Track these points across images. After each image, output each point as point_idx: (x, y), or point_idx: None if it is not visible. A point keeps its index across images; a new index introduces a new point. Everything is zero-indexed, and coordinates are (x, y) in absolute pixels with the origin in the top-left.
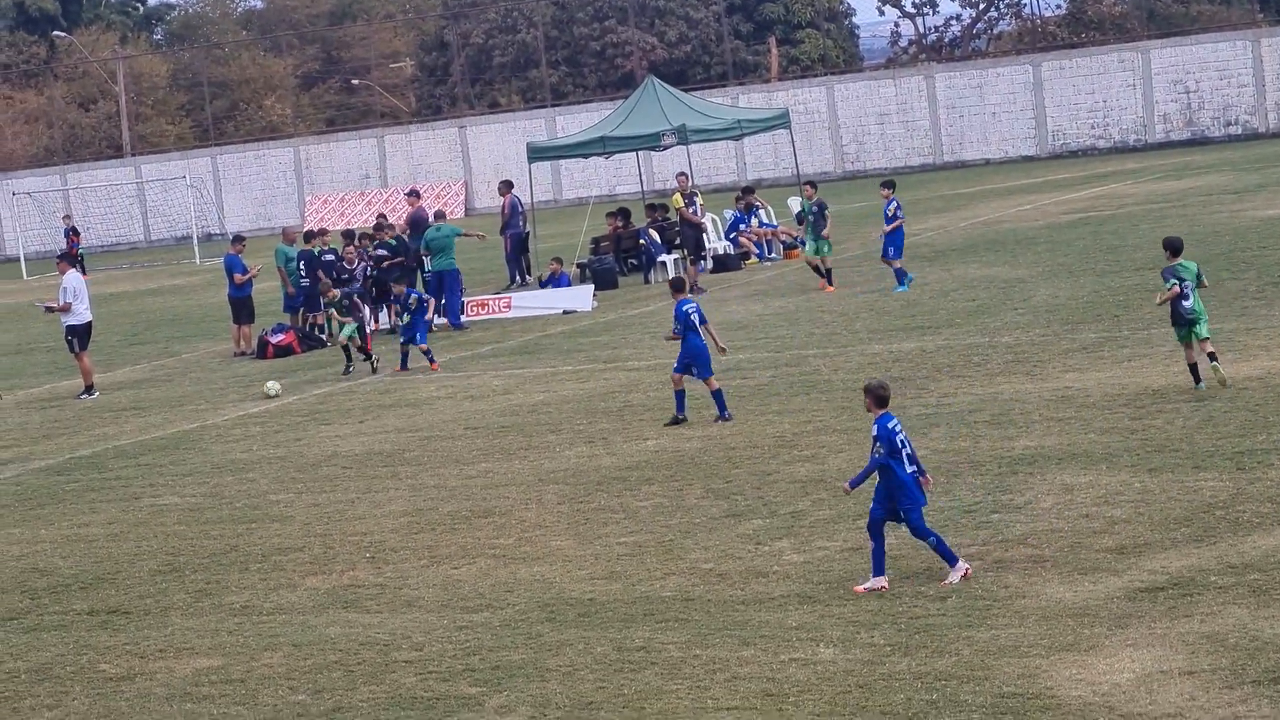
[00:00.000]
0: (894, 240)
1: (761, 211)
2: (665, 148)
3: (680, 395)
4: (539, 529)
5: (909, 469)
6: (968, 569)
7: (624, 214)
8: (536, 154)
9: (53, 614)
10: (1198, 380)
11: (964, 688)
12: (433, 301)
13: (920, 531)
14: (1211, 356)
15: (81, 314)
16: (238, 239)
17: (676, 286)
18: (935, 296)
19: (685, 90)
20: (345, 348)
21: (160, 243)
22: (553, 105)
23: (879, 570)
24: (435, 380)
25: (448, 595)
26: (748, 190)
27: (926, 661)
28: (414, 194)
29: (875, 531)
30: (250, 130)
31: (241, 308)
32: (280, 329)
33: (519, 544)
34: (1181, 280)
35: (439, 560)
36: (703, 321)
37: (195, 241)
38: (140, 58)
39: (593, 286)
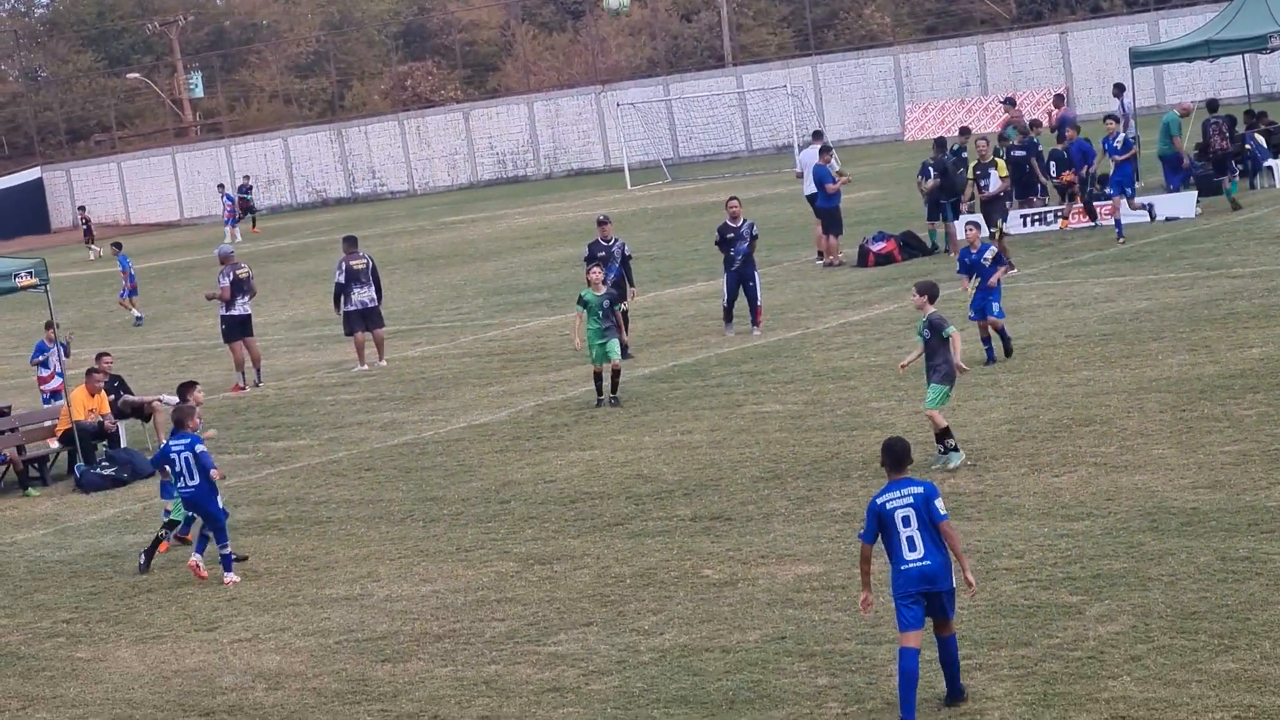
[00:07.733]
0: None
1: None
2: (1273, 49)
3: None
4: (1140, 437)
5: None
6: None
7: (1230, 120)
8: (1139, 58)
9: (656, 519)
10: None
11: None
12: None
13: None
14: None
15: None
16: (825, 149)
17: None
18: None
19: None
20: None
21: (761, 152)
22: (1155, 9)
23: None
24: (1036, 288)
25: (1048, 503)
26: None
27: None
28: (1010, 101)
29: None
30: (850, 39)
31: (830, 218)
32: (881, 237)
33: (1120, 452)
34: None
35: (1039, 468)
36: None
37: (796, 150)
38: None
39: (1196, 193)
